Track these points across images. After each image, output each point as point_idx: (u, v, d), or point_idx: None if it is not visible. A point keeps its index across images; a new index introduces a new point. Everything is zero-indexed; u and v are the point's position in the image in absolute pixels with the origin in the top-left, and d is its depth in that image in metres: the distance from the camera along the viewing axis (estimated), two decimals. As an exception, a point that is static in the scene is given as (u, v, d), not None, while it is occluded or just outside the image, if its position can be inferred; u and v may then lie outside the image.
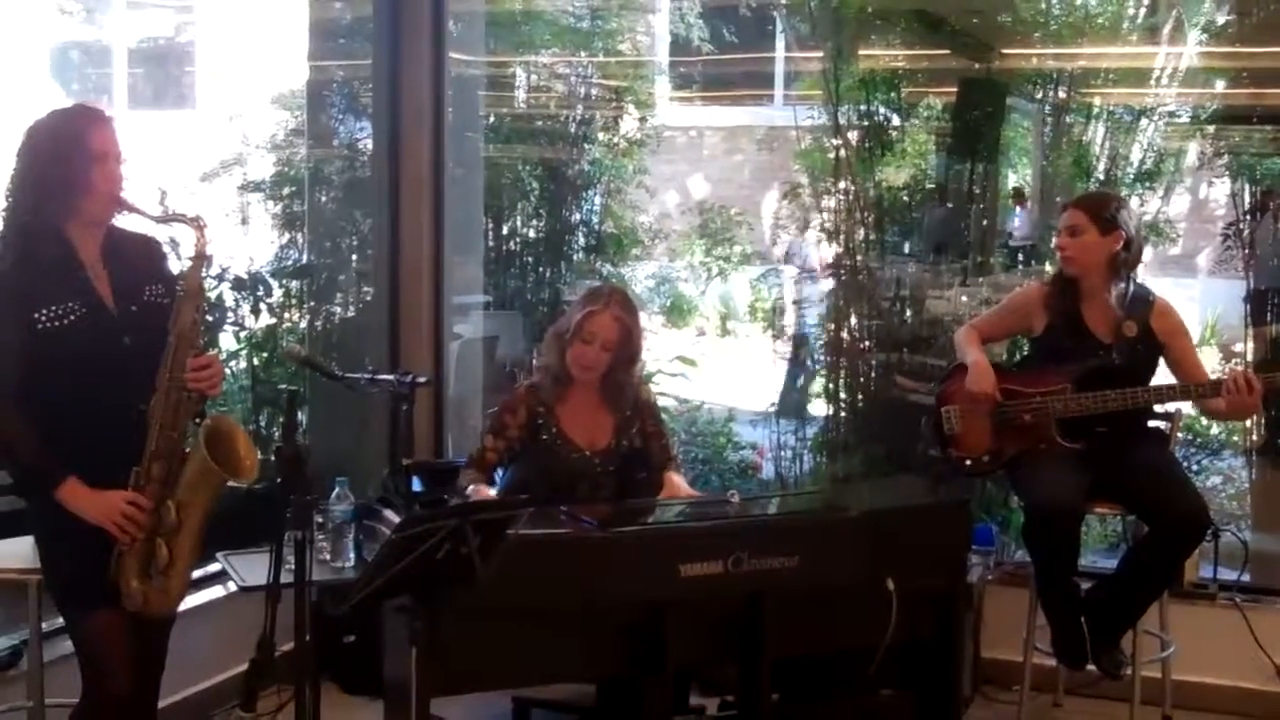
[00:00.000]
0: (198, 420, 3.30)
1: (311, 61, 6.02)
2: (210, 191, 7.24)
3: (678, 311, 11.42)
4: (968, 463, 4.57)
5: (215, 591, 4.58)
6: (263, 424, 5.75)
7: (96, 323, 3.31)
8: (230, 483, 3.26)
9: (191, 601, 4.57)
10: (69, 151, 3.28)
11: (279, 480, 3.25)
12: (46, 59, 11.30)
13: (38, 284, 3.26)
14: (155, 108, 11.69)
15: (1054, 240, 4.54)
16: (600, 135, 7.39)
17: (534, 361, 4.49)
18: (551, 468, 4.29)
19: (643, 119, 7.31)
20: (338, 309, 6.26)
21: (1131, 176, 6.63)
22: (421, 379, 4.07)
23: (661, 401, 7.26)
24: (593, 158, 7.27)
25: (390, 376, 4.04)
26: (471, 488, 4.24)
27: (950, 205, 6.24)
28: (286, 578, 3.73)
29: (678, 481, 4.31)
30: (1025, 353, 4.81)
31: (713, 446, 7.35)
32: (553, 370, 4.33)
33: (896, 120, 6.45)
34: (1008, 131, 6.49)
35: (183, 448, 3.28)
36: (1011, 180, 6.95)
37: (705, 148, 11.88)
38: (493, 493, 4.21)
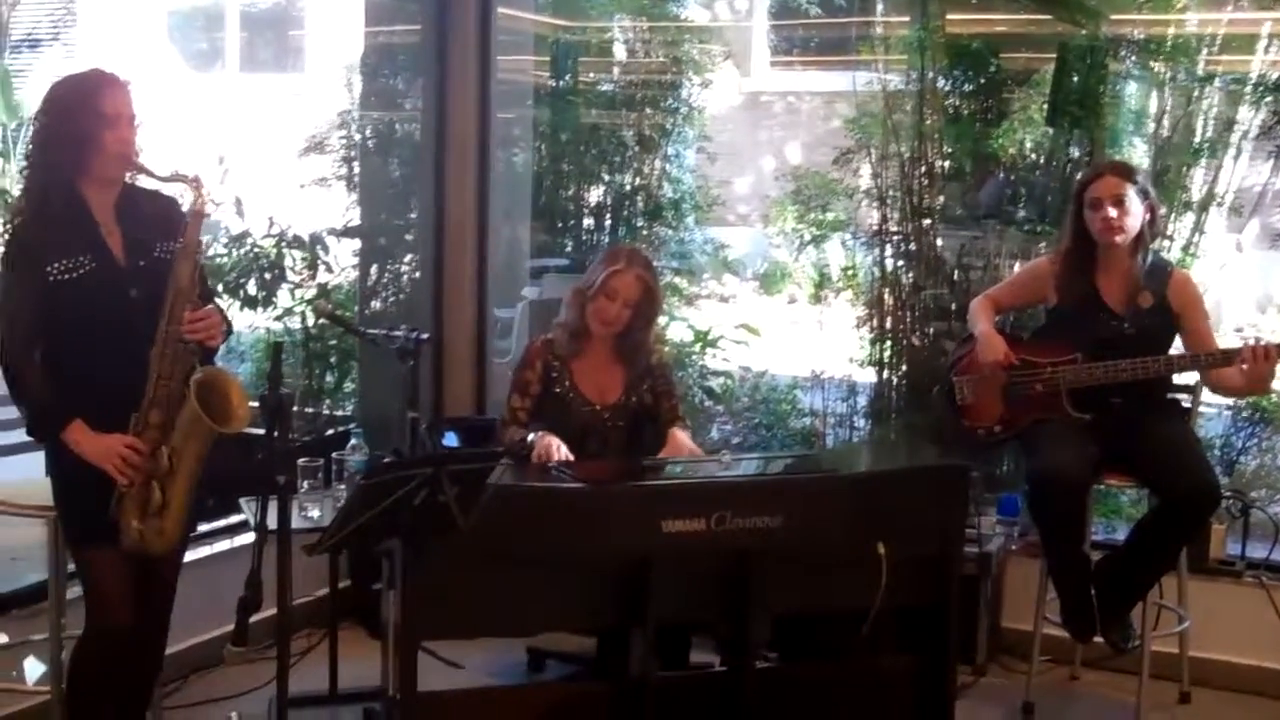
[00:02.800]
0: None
1: (368, 28, 6.16)
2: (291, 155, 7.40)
3: (770, 278, 11.47)
4: (980, 432, 4.59)
5: (246, 537, 4.76)
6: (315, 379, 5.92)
7: (106, 276, 3.48)
8: (222, 431, 3.39)
9: (219, 547, 4.81)
10: (81, 112, 3.45)
11: (265, 428, 3.37)
12: (164, 23, 11.66)
13: (52, 237, 3.45)
14: (266, 71, 11.99)
15: (1092, 211, 4.43)
16: (673, 101, 7.41)
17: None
18: (563, 420, 4.39)
19: (703, 84, 7.31)
20: (405, 269, 6.41)
21: (1234, 145, 6.46)
22: (424, 335, 4.17)
23: (724, 368, 7.36)
24: (663, 123, 7.31)
25: (399, 333, 4.15)
26: (533, 436, 4.27)
27: (1003, 174, 6.15)
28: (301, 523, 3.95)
29: (681, 438, 4.37)
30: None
31: (776, 414, 7.36)
32: (571, 325, 4.44)
33: (972, 87, 6.37)
34: (1132, 101, 6.35)
35: (179, 396, 3.44)
36: (1140, 150, 6.78)
37: (803, 113, 11.88)
38: (554, 439, 4.24)
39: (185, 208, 3.66)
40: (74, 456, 3.44)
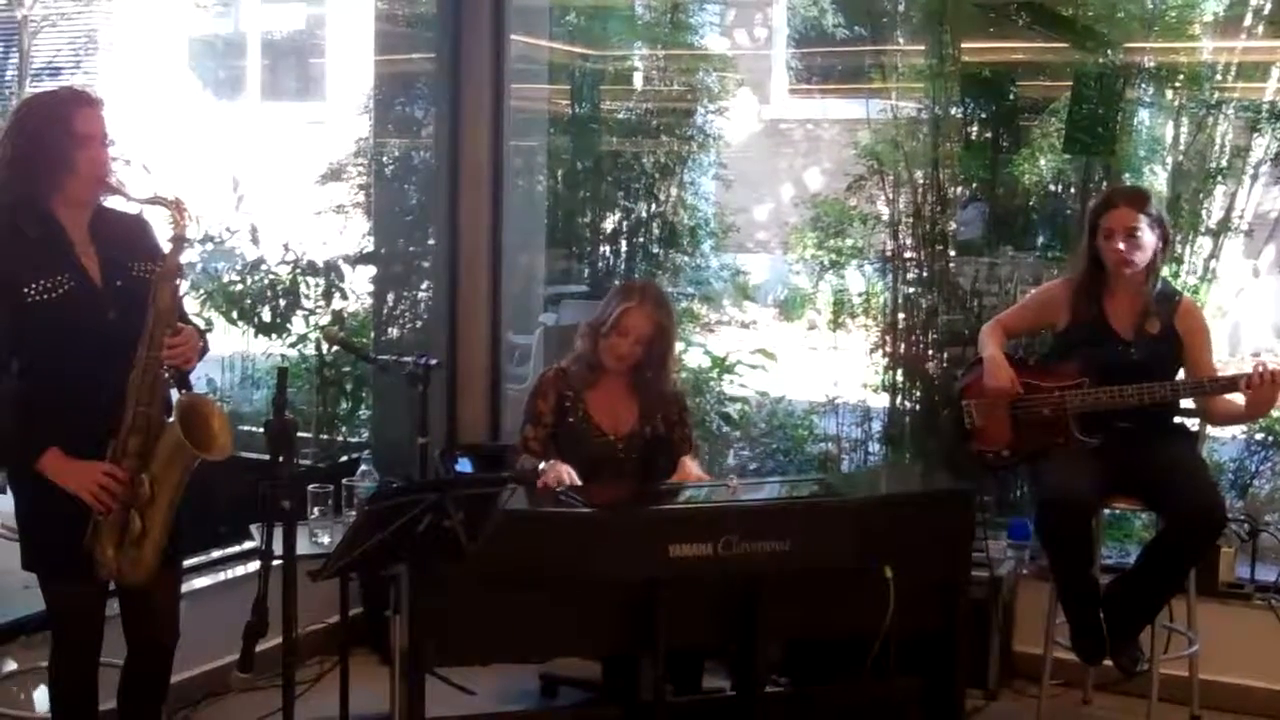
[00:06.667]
0: (181, 393, 3.43)
1: (382, 56, 6.20)
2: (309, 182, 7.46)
3: (790, 305, 11.48)
4: (988, 456, 4.59)
5: (256, 564, 4.78)
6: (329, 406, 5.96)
7: (84, 296, 3.38)
8: (205, 457, 3.34)
9: (231, 573, 4.83)
10: (55, 133, 3.34)
11: (270, 454, 3.39)
12: (184, 51, 11.76)
13: (27, 258, 3.35)
14: (287, 99, 12.06)
15: (1104, 241, 4.44)
16: (690, 129, 7.47)
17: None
18: (576, 451, 4.37)
19: (719, 112, 7.36)
20: (423, 294, 6.44)
21: (1249, 171, 6.46)
22: (434, 361, 4.19)
23: (741, 394, 7.38)
24: (680, 150, 7.37)
25: (409, 359, 4.18)
26: (544, 465, 4.26)
27: (982, 201, 6.18)
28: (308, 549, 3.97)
29: (690, 466, 4.39)
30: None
31: (793, 439, 7.37)
32: (586, 358, 4.43)
33: (986, 114, 6.39)
34: (1146, 129, 6.36)
35: (159, 423, 3.38)
36: (1158, 177, 6.79)
37: (823, 140, 11.90)
38: (565, 467, 4.22)
39: (166, 231, 3.50)
40: (43, 484, 3.35)
